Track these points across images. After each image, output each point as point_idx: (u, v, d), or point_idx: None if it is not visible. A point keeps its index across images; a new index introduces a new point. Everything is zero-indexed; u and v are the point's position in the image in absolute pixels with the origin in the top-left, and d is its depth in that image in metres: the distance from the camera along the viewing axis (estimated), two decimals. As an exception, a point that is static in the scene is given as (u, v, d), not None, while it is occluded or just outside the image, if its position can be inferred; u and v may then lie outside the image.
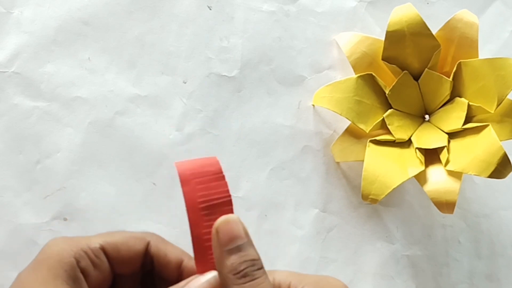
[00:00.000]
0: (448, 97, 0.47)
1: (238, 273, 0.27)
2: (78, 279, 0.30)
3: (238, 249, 0.28)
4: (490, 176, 0.43)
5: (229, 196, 0.30)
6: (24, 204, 0.42)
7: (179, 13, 0.47)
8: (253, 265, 0.28)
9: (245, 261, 0.28)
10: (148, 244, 0.33)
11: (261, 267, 0.28)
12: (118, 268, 0.32)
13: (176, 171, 0.30)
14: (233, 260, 0.28)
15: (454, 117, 0.46)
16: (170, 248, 0.33)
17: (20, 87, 0.43)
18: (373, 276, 0.48)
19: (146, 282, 0.34)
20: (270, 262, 0.45)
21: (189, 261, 0.32)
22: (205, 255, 0.29)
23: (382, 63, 0.47)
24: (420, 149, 0.46)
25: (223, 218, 0.29)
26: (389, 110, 0.47)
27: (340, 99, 0.46)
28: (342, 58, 0.49)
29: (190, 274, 0.31)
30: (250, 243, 0.29)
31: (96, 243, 0.31)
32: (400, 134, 0.46)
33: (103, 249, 0.31)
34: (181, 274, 0.32)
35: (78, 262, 0.30)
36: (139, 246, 0.32)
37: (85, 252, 0.31)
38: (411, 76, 0.47)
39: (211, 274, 0.29)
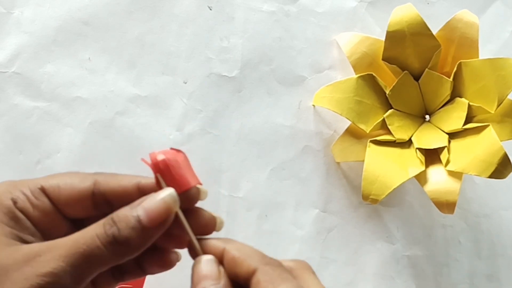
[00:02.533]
0: (448, 97, 0.47)
1: None
2: (20, 219, 0.29)
3: None
4: (491, 176, 0.43)
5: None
6: (24, 204, 0.42)
7: (179, 13, 0.47)
8: None
9: None
10: (95, 182, 0.30)
11: None
12: (66, 210, 0.30)
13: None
14: None
15: (454, 117, 0.46)
16: (121, 177, 0.31)
17: (20, 87, 0.43)
18: (374, 276, 0.48)
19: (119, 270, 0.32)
20: (270, 262, 0.45)
21: (146, 180, 0.30)
22: None
23: (382, 63, 0.47)
24: (420, 149, 0.46)
25: (201, 258, 0.29)
26: (390, 110, 0.47)
27: (340, 99, 0.46)
28: (342, 58, 0.49)
29: (151, 191, 0.30)
30: (221, 286, 0.28)
31: (37, 184, 0.30)
32: (400, 134, 0.46)
33: (43, 190, 0.30)
34: (144, 194, 0.30)
35: (15, 203, 0.29)
36: (84, 184, 0.30)
37: (24, 193, 0.29)
38: (411, 76, 0.47)
39: (167, 191, 0.29)
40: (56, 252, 0.27)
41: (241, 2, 0.48)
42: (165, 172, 0.30)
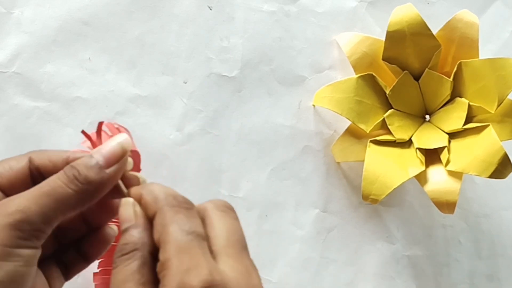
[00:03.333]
0: (448, 97, 0.47)
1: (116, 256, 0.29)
2: None
3: (124, 231, 0.29)
4: (491, 176, 0.43)
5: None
6: (24, 204, 0.42)
7: (179, 13, 0.47)
8: (119, 251, 0.28)
9: (120, 244, 0.29)
10: (29, 159, 0.32)
11: (126, 252, 0.28)
12: (11, 191, 0.31)
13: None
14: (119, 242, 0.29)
15: (454, 117, 0.46)
16: (51, 152, 0.32)
17: (21, 87, 0.43)
18: (374, 276, 0.48)
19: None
20: (270, 262, 0.45)
21: (74, 154, 0.32)
22: None
23: (382, 63, 0.47)
24: (420, 149, 0.46)
25: (121, 201, 0.31)
26: (390, 110, 0.47)
27: (340, 99, 0.46)
28: (342, 58, 0.49)
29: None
30: (136, 225, 0.29)
31: None
32: (400, 134, 0.46)
33: None
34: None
35: None
36: (21, 163, 0.32)
37: None
38: (411, 76, 0.47)
39: (122, 136, 0.31)
40: (22, 196, 0.29)
41: (241, 2, 0.48)
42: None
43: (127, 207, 0.30)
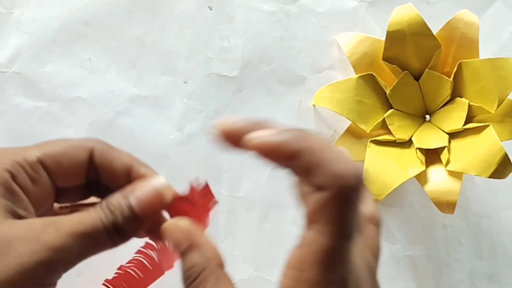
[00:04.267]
0: (448, 97, 0.47)
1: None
2: (16, 192, 0.28)
3: (182, 255, 0.28)
4: (491, 176, 0.43)
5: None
6: (25, 204, 0.42)
7: (179, 13, 0.47)
8: (187, 278, 0.27)
9: (185, 271, 0.27)
10: (91, 153, 0.30)
11: (196, 276, 0.27)
12: (60, 181, 0.30)
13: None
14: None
15: (454, 117, 0.46)
16: (117, 154, 0.30)
17: (21, 87, 0.43)
18: (374, 276, 0.48)
19: (91, 190, 0.32)
20: (270, 262, 0.45)
21: (139, 168, 0.30)
22: None
23: (382, 63, 0.47)
24: (420, 149, 0.46)
25: (163, 228, 0.29)
26: (390, 110, 0.47)
27: (340, 99, 0.46)
28: (342, 58, 0.49)
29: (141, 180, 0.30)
30: (190, 248, 0.28)
31: (33, 156, 0.29)
32: (400, 134, 0.46)
33: (41, 162, 0.29)
34: (130, 181, 0.30)
35: (14, 177, 0.28)
36: (82, 155, 0.30)
37: (22, 166, 0.28)
38: (411, 76, 0.47)
39: (159, 180, 0.29)
40: (63, 229, 0.27)
41: (241, 2, 0.48)
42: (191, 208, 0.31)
43: (173, 231, 0.29)
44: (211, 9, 0.47)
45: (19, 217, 0.28)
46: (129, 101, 0.45)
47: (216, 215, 0.45)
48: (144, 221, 0.28)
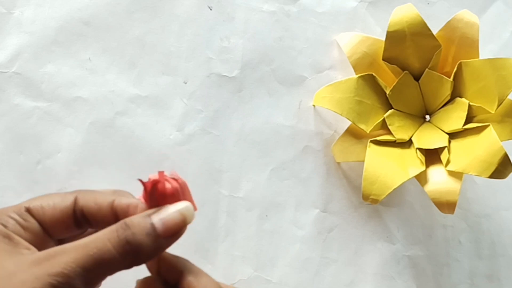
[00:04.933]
0: (448, 97, 0.47)
1: None
2: (13, 238, 0.29)
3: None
4: (491, 177, 0.43)
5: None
6: (25, 204, 0.42)
7: (179, 13, 0.47)
8: None
9: None
10: (75, 199, 0.31)
11: None
12: (51, 229, 0.31)
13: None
14: None
15: (454, 117, 0.46)
16: (98, 194, 0.31)
17: (21, 87, 0.43)
18: (374, 276, 0.48)
19: None
20: (270, 262, 0.45)
21: (120, 198, 0.31)
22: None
23: (382, 63, 0.47)
24: (420, 149, 0.46)
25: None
26: (390, 111, 0.47)
27: (340, 99, 0.46)
28: (342, 58, 0.49)
29: (125, 210, 0.30)
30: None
31: (21, 207, 0.30)
32: (400, 134, 0.46)
33: (29, 211, 0.30)
34: (116, 214, 0.30)
35: (5, 227, 0.29)
36: (65, 202, 0.31)
37: (11, 217, 0.30)
38: (411, 76, 0.47)
39: (184, 204, 0.29)
40: (67, 254, 0.27)
41: (242, 2, 0.48)
42: (174, 194, 0.30)
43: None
44: (211, 9, 0.47)
45: (21, 255, 0.28)
46: (129, 101, 0.45)
47: (216, 215, 0.45)
48: (165, 242, 0.28)
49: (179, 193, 0.30)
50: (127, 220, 0.28)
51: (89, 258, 0.27)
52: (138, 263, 0.29)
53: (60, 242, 0.31)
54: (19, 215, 0.30)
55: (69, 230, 0.31)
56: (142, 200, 0.30)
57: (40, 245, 0.30)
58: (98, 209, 0.30)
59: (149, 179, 0.30)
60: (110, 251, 0.27)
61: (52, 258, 0.27)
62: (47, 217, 0.30)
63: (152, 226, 0.28)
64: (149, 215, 0.29)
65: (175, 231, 0.29)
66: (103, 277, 0.28)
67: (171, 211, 0.29)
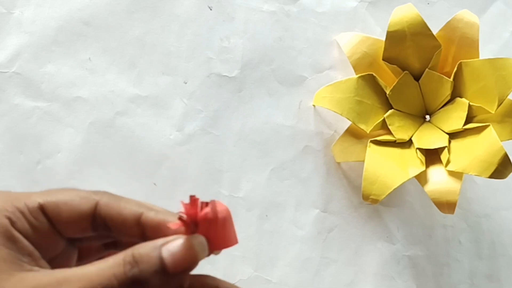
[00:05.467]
0: (448, 97, 0.47)
1: None
2: (18, 239, 0.27)
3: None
4: (491, 177, 0.43)
5: None
6: (25, 204, 0.42)
7: (179, 13, 0.47)
8: None
9: None
10: (96, 204, 0.28)
11: None
12: (64, 229, 0.28)
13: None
14: None
15: (454, 117, 0.46)
16: (124, 204, 0.29)
17: (21, 87, 0.43)
18: (374, 276, 0.48)
19: (109, 244, 0.31)
20: (270, 262, 0.45)
21: (149, 213, 0.28)
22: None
23: (382, 63, 0.47)
24: (420, 149, 0.46)
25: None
26: (390, 111, 0.47)
27: (340, 99, 0.46)
28: (342, 58, 0.49)
29: (155, 229, 0.28)
30: None
31: (34, 202, 0.28)
32: (400, 134, 0.46)
33: (42, 209, 0.28)
34: (142, 230, 0.28)
35: (13, 223, 0.27)
36: (85, 206, 0.28)
37: (22, 212, 0.27)
38: (411, 76, 0.47)
39: (198, 239, 0.26)
40: (70, 286, 0.25)
41: (242, 2, 0.48)
42: (208, 224, 0.27)
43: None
44: (211, 9, 0.47)
45: (24, 265, 0.27)
46: (129, 101, 0.45)
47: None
48: (173, 278, 0.26)
49: (218, 220, 0.27)
50: (136, 253, 0.26)
51: None
52: None
53: (71, 240, 0.30)
54: (30, 211, 0.28)
55: (84, 232, 0.29)
56: (180, 221, 0.27)
57: (48, 244, 0.29)
58: (122, 222, 0.28)
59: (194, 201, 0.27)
60: (113, 286, 0.25)
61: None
62: (63, 218, 0.28)
63: (162, 261, 0.26)
64: (159, 248, 0.26)
65: (185, 269, 0.26)
66: None
67: (182, 245, 0.26)
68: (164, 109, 0.45)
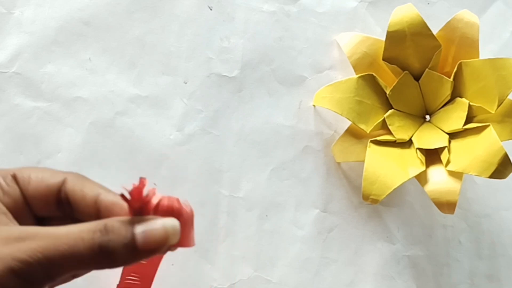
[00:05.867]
0: (448, 97, 0.47)
1: None
2: None
3: None
4: (491, 177, 0.43)
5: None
6: (25, 204, 0.42)
7: (179, 13, 0.47)
8: None
9: None
10: (64, 181, 0.30)
11: None
12: (32, 202, 0.30)
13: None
14: None
15: (454, 117, 0.46)
16: (88, 183, 0.30)
17: (21, 87, 0.43)
18: (374, 276, 0.48)
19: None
20: (270, 262, 0.46)
21: (107, 194, 0.29)
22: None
23: (382, 63, 0.47)
24: (420, 149, 0.46)
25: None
26: (390, 111, 0.47)
27: (340, 99, 0.46)
28: (342, 58, 0.49)
29: (109, 208, 0.29)
30: None
31: (9, 171, 0.30)
32: (400, 134, 0.46)
33: (14, 177, 0.29)
34: (98, 210, 0.29)
35: None
36: (53, 180, 0.30)
37: None
38: (411, 77, 0.47)
39: (172, 222, 0.27)
40: (36, 242, 0.26)
41: (242, 2, 0.48)
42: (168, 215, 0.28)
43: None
44: (211, 9, 0.47)
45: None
46: (129, 101, 0.45)
47: (216, 215, 0.45)
48: (141, 255, 0.27)
49: (175, 214, 0.28)
50: (108, 223, 0.27)
51: (57, 252, 0.26)
52: (108, 268, 0.27)
53: (40, 221, 0.31)
54: (4, 178, 0.29)
55: (50, 209, 0.30)
56: (121, 198, 0.28)
57: (18, 215, 0.29)
58: (82, 198, 0.29)
59: (141, 183, 0.28)
60: (80, 251, 0.26)
61: (22, 241, 0.26)
62: (31, 188, 0.29)
63: (132, 237, 0.26)
64: (133, 224, 0.27)
65: (154, 248, 0.27)
66: (66, 273, 0.27)
67: (155, 225, 0.27)
68: (164, 109, 0.45)
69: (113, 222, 0.27)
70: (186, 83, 0.46)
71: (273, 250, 0.46)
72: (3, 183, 0.29)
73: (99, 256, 0.26)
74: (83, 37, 0.45)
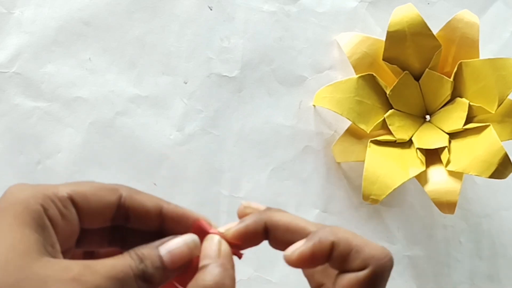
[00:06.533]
0: (449, 97, 0.47)
1: None
2: (47, 227, 0.28)
3: (203, 267, 0.29)
4: (491, 177, 0.43)
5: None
6: (25, 204, 0.42)
7: (179, 13, 0.47)
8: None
9: (199, 280, 0.28)
10: (120, 196, 0.30)
11: None
12: (88, 220, 0.30)
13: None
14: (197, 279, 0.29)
15: (455, 117, 0.46)
16: (145, 197, 0.31)
17: (21, 87, 0.43)
18: (374, 276, 0.48)
19: (115, 236, 0.32)
20: (270, 262, 0.45)
21: (169, 206, 0.31)
22: None
23: (383, 63, 0.47)
24: (421, 149, 0.46)
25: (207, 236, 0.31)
26: (390, 111, 0.47)
27: (341, 99, 0.46)
28: (343, 58, 0.49)
29: (173, 220, 0.31)
30: (219, 264, 0.29)
31: (63, 192, 0.29)
32: (401, 134, 0.46)
33: (71, 199, 0.29)
34: (162, 221, 0.31)
35: (45, 210, 0.28)
36: (111, 197, 0.30)
37: (52, 201, 0.28)
38: (412, 77, 0.47)
39: (191, 237, 0.30)
40: (98, 273, 0.27)
41: (242, 2, 0.48)
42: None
43: (212, 243, 0.30)
44: (211, 9, 0.47)
45: (48, 253, 0.28)
46: (129, 101, 0.45)
47: (216, 215, 0.45)
48: (172, 273, 0.29)
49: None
50: (139, 252, 0.28)
51: (116, 280, 0.27)
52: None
53: (85, 230, 0.31)
54: (61, 200, 0.29)
55: (103, 223, 0.31)
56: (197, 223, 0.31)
57: (70, 233, 0.29)
58: (144, 211, 0.30)
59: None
60: (131, 277, 0.27)
61: (85, 274, 0.26)
62: (90, 209, 0.29)
63: (161, 258, 0.29)
64: (157, 246, 0.29)
65: (181, 264, 0.29)
66: None
67: (178, 244, 0.29)
68: (164, 109, 0.45)
69: (142, 251, 0.29)
70: (186, 83, 0.46)
71: (273, 250, 0.46)
72: (61, 206, 0.29)
73: (142, 281, 0.28)
74: (83, 37, 0.45)
